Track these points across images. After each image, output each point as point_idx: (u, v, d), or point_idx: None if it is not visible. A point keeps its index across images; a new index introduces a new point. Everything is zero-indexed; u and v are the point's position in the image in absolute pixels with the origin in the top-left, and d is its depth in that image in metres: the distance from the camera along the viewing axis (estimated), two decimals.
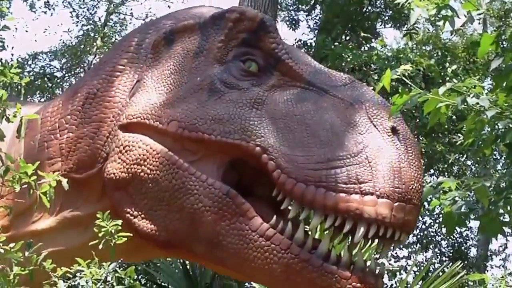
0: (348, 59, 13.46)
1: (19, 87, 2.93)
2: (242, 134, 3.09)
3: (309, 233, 3.06)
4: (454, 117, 12.44)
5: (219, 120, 3.14)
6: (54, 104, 3.78)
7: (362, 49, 14.97)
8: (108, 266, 2.72)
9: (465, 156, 15.71)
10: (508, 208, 4.26)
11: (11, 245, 2.90)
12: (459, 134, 14.02)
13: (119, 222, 2.84)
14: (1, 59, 2.91)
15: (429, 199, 6.72)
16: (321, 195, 2.87)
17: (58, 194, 3.38)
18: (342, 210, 2.85)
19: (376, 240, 2.97)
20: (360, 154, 2.90)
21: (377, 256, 5.10)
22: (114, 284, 2.72)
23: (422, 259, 17.79)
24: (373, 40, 15.71)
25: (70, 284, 2.69)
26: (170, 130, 3.23)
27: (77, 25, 18.95)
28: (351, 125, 2.99)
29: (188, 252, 3.30)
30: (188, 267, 8.40)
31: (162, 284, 9.06)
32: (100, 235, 2.80)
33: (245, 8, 3.46)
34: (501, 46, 4.46)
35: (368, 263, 3.01)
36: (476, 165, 15.70)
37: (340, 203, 2.85)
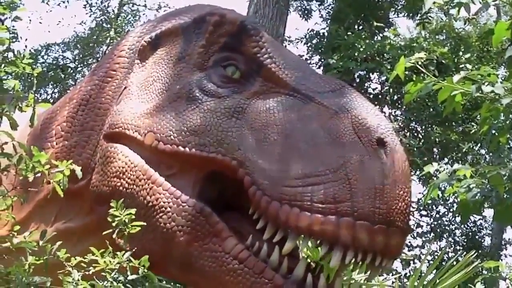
0: (361, 49, 13.42)
1: (32, 78, 2.91)
2: (218, 147, 2.89)
3: (303, 255, 2.89)
4: (468, 104, 12.36)
5: (194, 132, 2.96)
6: (53, 110, 3.69)
7: (375, 38, 14.92)
8: (122, 255, 2.71)
9: (479, 145, 15.65)
10: None
11: (26, 234, 2.91)
12: (473, 123, 13.98)
13: (133, 211, 2.82)
14: (13, 50, 2.90)
15: (443, 187, 6.69)
16: (294, 216, 2.62)
17: (54, 204, 3.37)
18: (317, 233, 2.60)
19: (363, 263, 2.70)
20: (340, 169, 2.63)
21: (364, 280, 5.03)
22: (129, 273, 2.71)
23: (436, 248, 17.77)
24: (386, 29, 15.65)
25: (84, 274, 2.69)
26: (146, 142, 3.07)
27: (90, 16, 19.03)
28: (334, 136, 2.73)
29: (165, 272, 3.15)
30: None
31: None
32: (113, 224, 2.79)
33: (226, 10, 3.26)
34: None
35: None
36: (490, 154, 15.62)
37: (314, 225, 2.59)
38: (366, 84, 14.54)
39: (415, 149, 13.81)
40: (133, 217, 2.80)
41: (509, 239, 18.44)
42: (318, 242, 2.65)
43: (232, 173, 2.86)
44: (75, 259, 2.73)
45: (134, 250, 2.79)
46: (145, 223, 2.85)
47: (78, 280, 2.62)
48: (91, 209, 3.28)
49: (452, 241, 17.77)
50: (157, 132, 3.04)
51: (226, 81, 3.08)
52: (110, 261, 2.69)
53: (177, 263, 2.95)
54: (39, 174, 2.83)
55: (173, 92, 3.13)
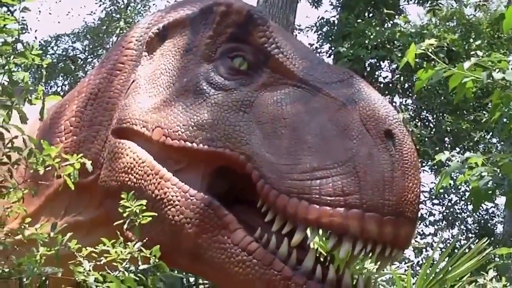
0: (372, 36, 13.38)
1: (41, 70, 2.89)
2: (225, 142, 2.87)
3: (313, 247, 2.83)
4: (479, 92, 12.32)
5: (201, 127, 2.94)
6: (62, 104, 3.66)
7: (385, 26, 14.86)
8: (133, 245, 2.71)
9: (490, 134, 15.60)
10: None
11: (37, 226, 2.92)
12: (484, 111, 13.94)
13: (144, 202, 2.83)
14: (22, 41, 2.90)
15: (455, 176, 6.65)
16: (303, 208, 2.62)
17: (63, 198, 3.38)
18: (326, 224, 2.60)
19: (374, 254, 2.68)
20: (348, 162, 2.62)
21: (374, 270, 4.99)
22: (140, 263, 2.71)
23: (448, 236, 17.78)
24: (396, 16, 15.59)
25: (95, 264, 2.69)
26: (154, 137, 3.05)
27: (100, 6, 19.02)
28: (342, 129, 2.71)
29: (174, 263, 3.12)
30: None
31: None
32: (124, 215, 2.79)
33: (233, 0, 3.20)
34: None
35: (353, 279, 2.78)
36: (502, 143, 15.58)
37: (323, 217, 2.59)
38: (376, 73, 14.51)
39: (426, 139, 13.79)
40: (144, 207, 2.80)
41: None
42: (328, 234, 2.64)
43: (240, 167, 2.85)
44: (86, 249, 2.73)
45: (145, 240, 2.80)
46: (155, 214, 2.86)
47: (90, 270, 2.62)
48: (100, 203, 3.28)
49: (464, 229, 17.76)
50: (165, 127, 3.03)
51: (233, 73, 3.05)
52: (121, 251, 2.69)
53: (186, 254, 2.94)
54: (49, 168, 2.83)
55: (181, 85, 3.11)
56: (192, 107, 3.02)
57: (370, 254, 2.65)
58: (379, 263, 2.76)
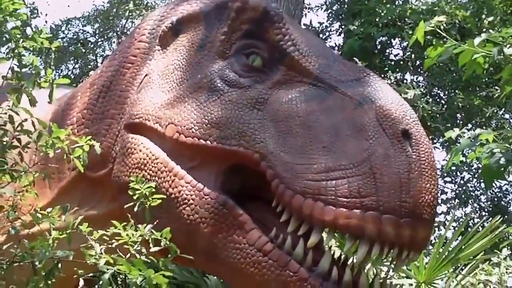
0: (382, 14, 13.30)
1: (51, 53, 2.89)
2: (240, 140, 2.87)
3: (328, 248, 2.86)
4: (491, 69, 12.24)
5: (215, 124, 2.94)
6: (74, 95, 3.68)
7: (396, 3, 14.75)
8: (144, 228, 2.72)
9: (503, 109, 15.50)
10: None
11: (48, 210, 2.93)
12: (496, 87, 13.85)
13: (153, 184, 2.83)
14: (31, 24, 2.90)
15: (467, 153, 6.63)
16: (319, 210, 2.62)
17: (76, 191, 3.42)
18: (342, 226, 2.60)
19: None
20: (364, 163, 2.60)
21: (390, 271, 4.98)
22: (151, 245, 2.72)
23: (461, 214, 17.70)
24: None
25: (107, 248, 2.70)
26: (167, 134, 3.07)
27: None
28: (358, 128, 2.69)
29: (189, 262, 3.10)
30: None
31: None
32: (134, 198, 2.80)
33: None
34: None
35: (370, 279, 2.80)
36: None
37: (339, 219, 2.59)
38: (387, 50, 14.43)
39: (437, 115, 13.72)
40: (154, 190, 2.81)
41: None
42: (346, 235, 2.63)
43: (254, 165, 2.85)
44: (97, 232, 2.74)
45: (155, 223, 2.80)
46: (165, 196, 2.87)
47: (101, 253, 2.63)
48: (114, 197, 3.29)
49: (477, 207, 17.70)
50: (178, 124, 3.03)
51: (247, 70, 3.04)
52: (132, 234, 2.70)
53: (202, 253, 2.95)
54: (59, 150, 2.84)
55: (194, 81, 3.10)
56: (205, 104, 3.01)
57: (387, 256, 2.65)
58: (394, 263, 2.75)
